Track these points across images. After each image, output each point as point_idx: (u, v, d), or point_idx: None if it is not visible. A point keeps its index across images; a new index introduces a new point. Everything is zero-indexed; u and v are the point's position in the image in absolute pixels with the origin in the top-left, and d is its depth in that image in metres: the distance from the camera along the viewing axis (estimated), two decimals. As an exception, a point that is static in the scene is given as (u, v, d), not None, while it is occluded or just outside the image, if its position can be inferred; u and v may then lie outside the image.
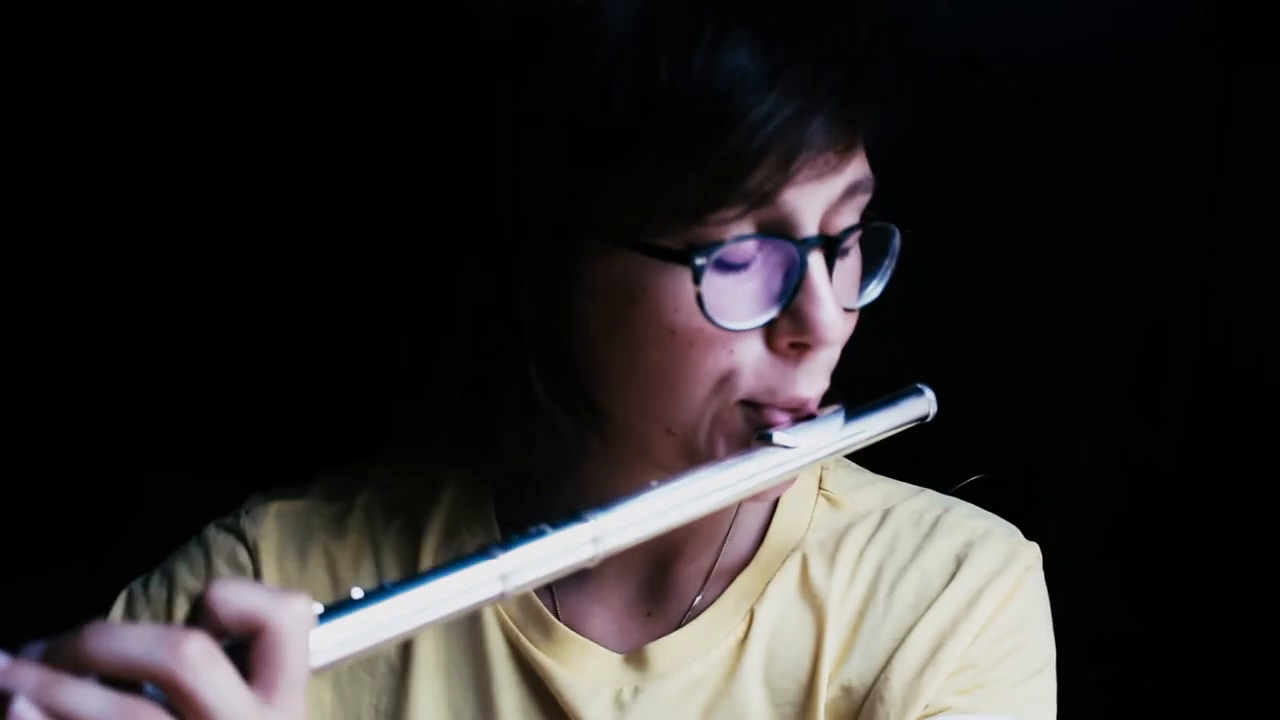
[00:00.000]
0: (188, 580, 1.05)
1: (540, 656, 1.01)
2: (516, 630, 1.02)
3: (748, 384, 0.87)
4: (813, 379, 0.89)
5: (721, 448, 0.89)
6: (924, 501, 1.04)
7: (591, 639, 1.02)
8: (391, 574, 1.05)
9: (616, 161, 0.82)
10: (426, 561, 1.04)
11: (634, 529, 0.81)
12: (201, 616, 0.66)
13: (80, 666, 0.64)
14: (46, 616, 1.08)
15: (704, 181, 0.81)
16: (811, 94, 0.81)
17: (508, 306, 0.88)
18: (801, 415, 0.89)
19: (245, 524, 1.07)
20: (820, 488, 1.05)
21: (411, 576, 0.73)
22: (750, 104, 0.80)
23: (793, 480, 0.92)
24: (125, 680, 0.64)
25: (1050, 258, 2.53)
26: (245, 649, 0.66)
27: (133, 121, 3.05)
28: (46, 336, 3.30)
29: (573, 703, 0.99)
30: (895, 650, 0.97)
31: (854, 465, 1.08)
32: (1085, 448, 2.59)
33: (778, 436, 0.87)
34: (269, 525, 1.07)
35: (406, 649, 1.03)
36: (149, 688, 0.64)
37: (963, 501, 1.05)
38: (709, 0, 0.81)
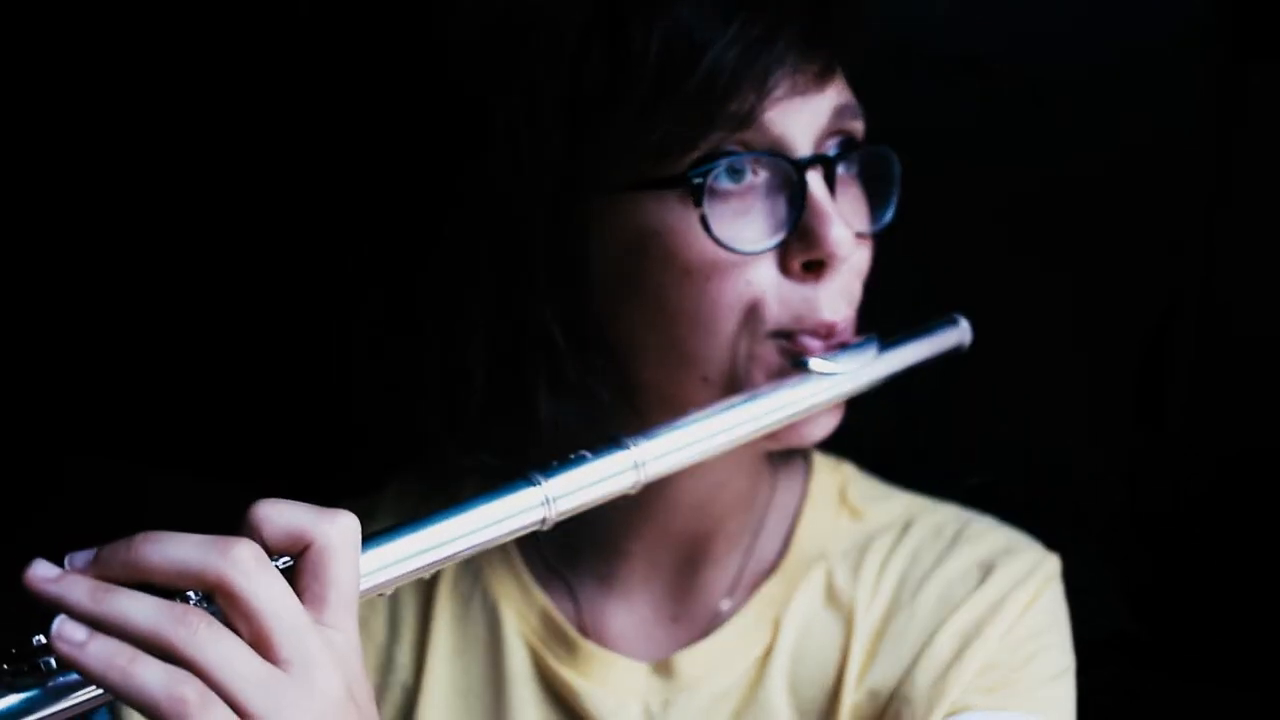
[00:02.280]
0: None
1: (565, 674, 1.00)
2: (540, 648, 1.01)
3: (773, 313, 0.88)
4: (834, 302, 0.89)
5: (760, 382, 0.89)
6: (945, 515, 1.05)
7: (616, 647, 1.01)
8: (409, 608, 1.04)
9: (604, 112, 0.85)
10: (443, 590, 1.03)
11: (675, 455, 0.81)
12: (246, 534, 0.65)
13: (130, 573, 0.63)
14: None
15: (687, 110, 0.84)
16: (775, 16, 0.85)
17: (525, 281, 0.90)
18: (834, 344, 0.90)
19: None
20: (842, 501, 1.06)
21: (454, 504, 0.73)
22: (717, 30, 0.84)
23: (835, 415, 0.92)
24: (171, 591, 0.63)
25: (1049, 257, 2.53)
26: (291, 571, 0.66)
27: (134, 122, 3.05)
28: (64, 341, 3.29)
29: (600, 718, 0.99)
30: (920, 652, 0.97)
31: (874, 477, 1.09)
32: (1085, 448, 2.59)
33: (814, 364, 0.88)
34: None
35: (420, 670, 1.02)
36: (194, 597, 0.63)
37: (981, 515, 1.06)
38: None
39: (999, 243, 2.57)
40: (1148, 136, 2.51)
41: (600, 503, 0.78)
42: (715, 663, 1.00)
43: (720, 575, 1.03)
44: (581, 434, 0.92)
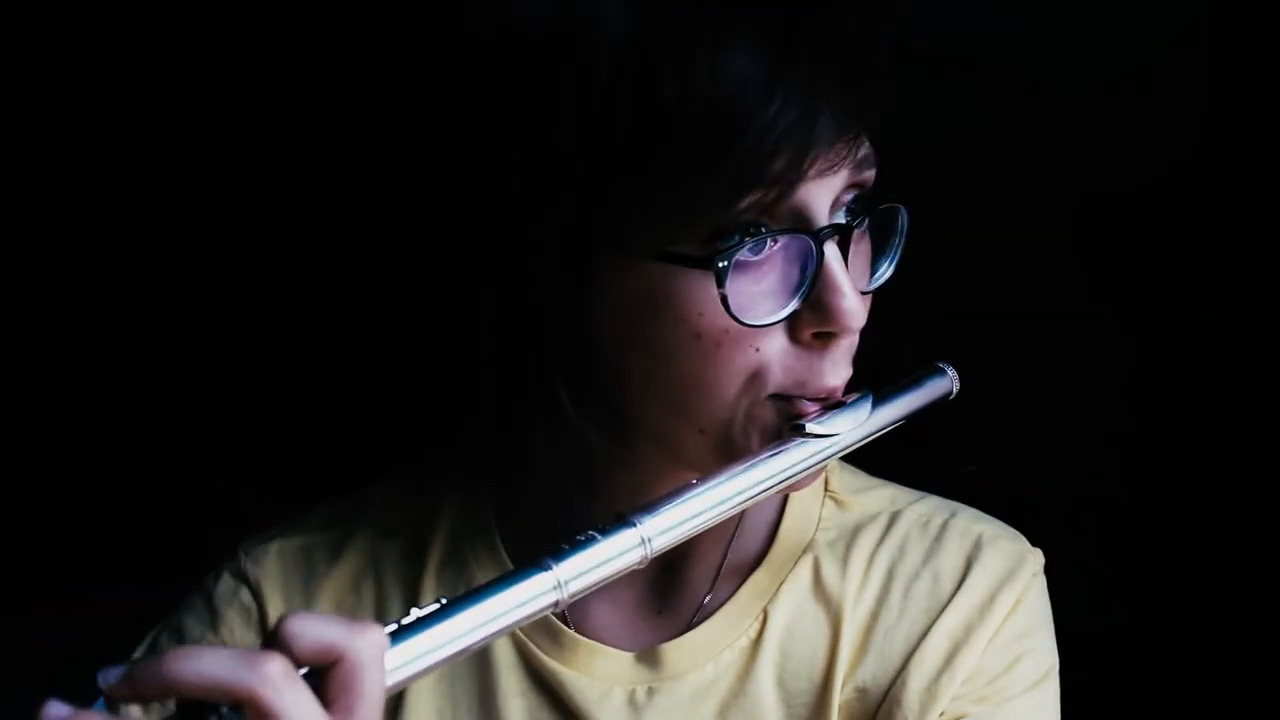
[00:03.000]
0: (195, 632, 1.04)
1: (549, 663, 1.01)
2: (524, 637, 1.02)
3: (776, 378, 0.88)
4: (838, 368, 0.90)
5: (755, 441, 0.90)
6: (930, 506, 1.06)
7: (601, 638, 1.02)
8: (394, 598, 1.05)
9: (629, 176, 0.83)
10: (429, 584, 1.04)
11: (680, 528, 0.83)
12: (277, 647, 0.67)
13: (163, 689, 0.64)
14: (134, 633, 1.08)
15: (719, 187, 0.82)
16: (815, 92, 0.83)
17: (530, 325, 0.89)
18: (830, 404, 0.90)
19: (246, 566, 1.07)
20: (826, 489, 1.06)
21: (470, 593, 0.75)
22: (756, 108, 0.81)
23: (822, 470, 0.93)
24: (193, 705, 0.65)
25: (1049, 257, 2.54)
26: (318, 678, 0.67)
27: (155, 135, 3.05)
28: (133, 357, 3.29)
29: (585, 705, 1.00)
30: (911, 654, 0.98)
31: (856, 469, 1.09)
32: (1085, 447, 2.60)
33: (811, 427, 0.89)
34: (270, 564, 1.06)
35: None
36: (223, 710, 0.65)
37: (967, 507, 1.07)
38: (704, 10, 0.82)
39: (997, 243, 2.57)
40: (1149, 136, 2.52)
41: (610, 580, 0.80)
42: (701, 653, 1.01)
43: (705, 568, 1.03)
44: (576, 469, 0.95)
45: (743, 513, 1.00)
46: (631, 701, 1.00)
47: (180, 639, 1.04)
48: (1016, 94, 2.41)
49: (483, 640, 0.74)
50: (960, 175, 2.25)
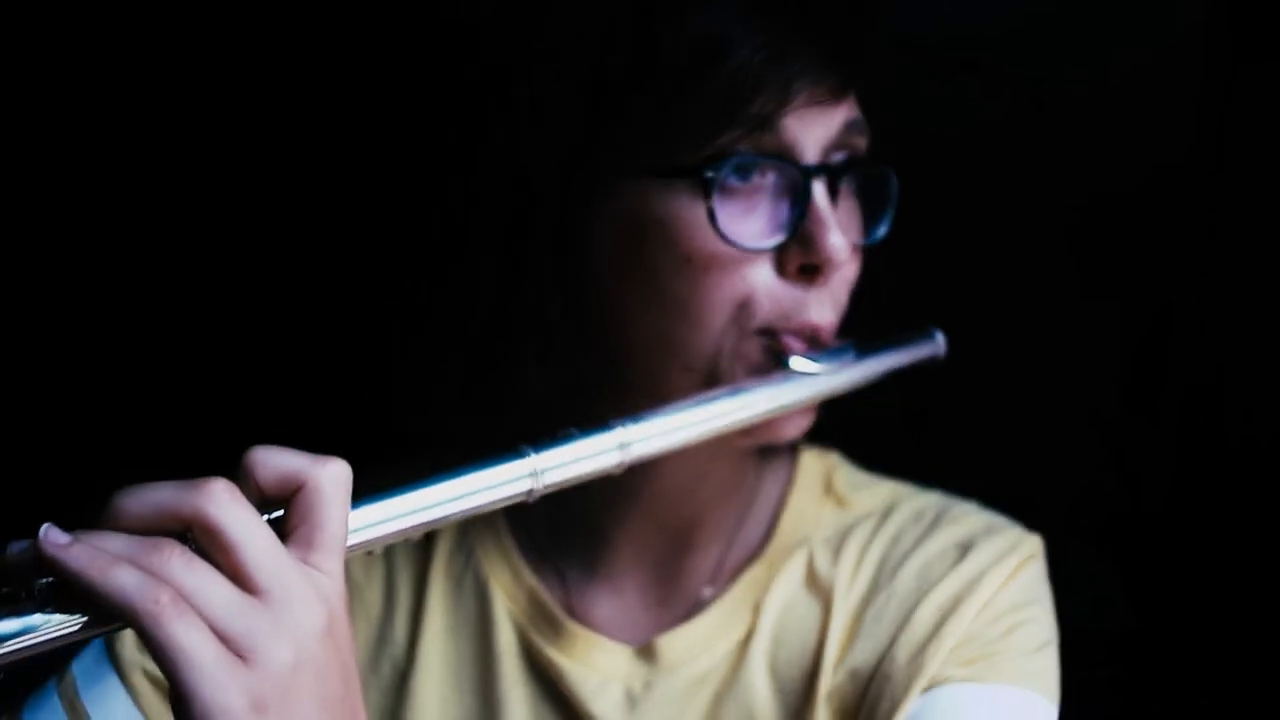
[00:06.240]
0: None
1: (550, 652, 1.02)
2: (527, 627, 1.03)
3: (763, 310, 0.91)
4: (823, 306, 0.92)
5: (741, 378, 0.92)
6: (927, 500, 1.08)
7: (601, 630, 1.03)
8: (403, 581, 1.06)
9: (626, 97, 0.87)
10: (437, 568, 1.06)
11: (659, 439, 0.84)
12: (240, 479, 0.66)
13: (111, 526, 0.64)
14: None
15: (709, 107, 0.86)
16: (803, 26, 0.88)
17: (526, 252, 0.92)
18: (815, 346, 0.92)
19: None
20: (827, 489, 1.08)
21: (444, 469, 0.75)
22: (746, 35, 0.86)
23: (808, 416, 0.95)
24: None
25: (1047, 256, 2.53)
26: (283, 522, 0.67)
27: (152, 139, 3.07)
28: (124, 356, 3.31)
29: (583, 698, 1.01)
30: (899, 630, 0.99)
31: (860, 468, 1.11)
32: (1084, 445, 2.60)
33: (794, 362, 0.91)
34: None
35: (413, 647, 1.04)
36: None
37: (965, 500, 1.08)
38: None
39: (995, 241, 2.57)
40: (1148, 136, 2.51)
41: (586, 479, 0.80)
42: (696, 646, 1.02)
43: (704, 561, 1.05)
44: (563, 406, 0.95)
45: (744, 509, 1.05)
46: (629, 695, 1.01)
47: None
48: (1016, 93, 2.41)
49: (451, 515, 0.73)
50: (958, 175, 2.26)
